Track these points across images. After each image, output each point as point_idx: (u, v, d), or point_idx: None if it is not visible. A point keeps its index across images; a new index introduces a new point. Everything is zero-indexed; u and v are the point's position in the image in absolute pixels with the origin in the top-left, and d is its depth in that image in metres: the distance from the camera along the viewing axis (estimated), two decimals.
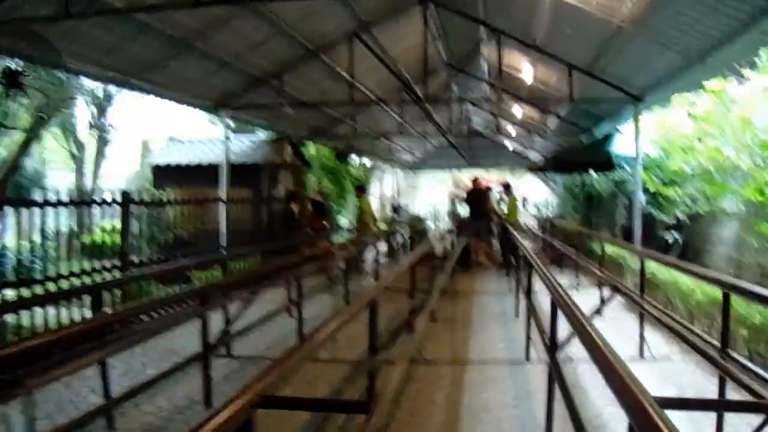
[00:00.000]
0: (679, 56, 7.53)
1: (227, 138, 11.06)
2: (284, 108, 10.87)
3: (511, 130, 20.64)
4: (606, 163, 10.74)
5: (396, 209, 19.45)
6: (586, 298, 6.48)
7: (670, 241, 9.53)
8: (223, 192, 10.88)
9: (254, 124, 14.01)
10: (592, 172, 13.60)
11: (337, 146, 16.88)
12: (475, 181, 13.39)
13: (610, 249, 9.26)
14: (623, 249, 8.41)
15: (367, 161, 22.92)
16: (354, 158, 19.10)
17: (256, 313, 6.26)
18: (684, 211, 9.03)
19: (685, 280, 6.39)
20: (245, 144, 14.21)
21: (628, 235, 10.70)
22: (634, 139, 9.32)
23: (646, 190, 9.58)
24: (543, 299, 5.55)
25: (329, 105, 12.26)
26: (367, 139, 18.38)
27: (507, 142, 25.71)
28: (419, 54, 10.24)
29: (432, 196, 39.24)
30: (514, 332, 6.92)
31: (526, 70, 11.15)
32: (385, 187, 28.59)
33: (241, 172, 12.74)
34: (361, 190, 13.40)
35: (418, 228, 14.21)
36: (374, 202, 26.83)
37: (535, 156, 23.92)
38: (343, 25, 9.83)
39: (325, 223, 12.91)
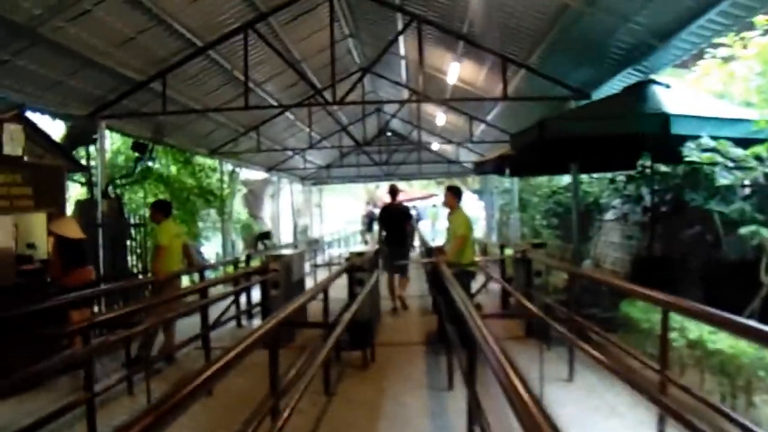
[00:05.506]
0: None
1: None
2: None
3: (441, 117, 14.40)
4: (657, 137, 4.62)
5: (263, 237, 12.30)
6: None
7: None
8: None
9: None
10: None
11: (141, 136, 9.65)
12: (392, 191, 9.11)
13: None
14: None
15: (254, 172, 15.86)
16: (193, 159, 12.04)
17: None
18: None
19: None
20: None
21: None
22: None
23: None
24: None
25: None
26: (208, 124, 11.41)
27: (433, 142, 19.26)
28: None
29: (342, 216, 32.44)
30: None
31: None
32: (280, 206, 21.47)
33: None
34: (160, 210, 6.52)
35: (277, 274, 6.59)
36: (268, 225, 19.78)
37: (470, 157, 17.69)
38: None
39: (88, 272, 6.40)
